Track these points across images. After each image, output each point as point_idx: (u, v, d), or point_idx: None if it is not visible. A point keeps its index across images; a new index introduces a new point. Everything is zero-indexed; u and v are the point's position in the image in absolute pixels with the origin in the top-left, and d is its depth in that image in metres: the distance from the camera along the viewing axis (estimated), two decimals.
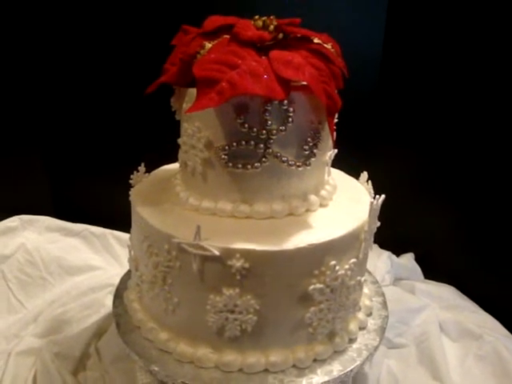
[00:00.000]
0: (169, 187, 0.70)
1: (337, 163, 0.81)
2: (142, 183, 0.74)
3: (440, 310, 1.01)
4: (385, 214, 1.23)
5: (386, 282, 1.07)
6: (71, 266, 1.05)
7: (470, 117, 0.99)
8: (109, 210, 0.89)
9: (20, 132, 1.09)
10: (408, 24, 1.07)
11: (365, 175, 0.76)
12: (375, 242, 1.22)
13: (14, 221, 1.04)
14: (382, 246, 1.21)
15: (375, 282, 0.82)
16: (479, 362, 0.89)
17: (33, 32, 1.03)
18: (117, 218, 0.73)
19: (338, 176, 0.78)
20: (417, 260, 1.17)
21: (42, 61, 1.06)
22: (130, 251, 0.71)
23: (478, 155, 0.99)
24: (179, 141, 0.65)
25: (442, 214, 1.11)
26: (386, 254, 1.15)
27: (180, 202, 0.66)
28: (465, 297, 1.06)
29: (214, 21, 0.64)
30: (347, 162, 0.79)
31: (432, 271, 1.14)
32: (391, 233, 1.21)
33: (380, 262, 1.11)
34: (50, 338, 0.84)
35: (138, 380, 0.68)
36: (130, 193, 0.71)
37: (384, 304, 0.76)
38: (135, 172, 0.74)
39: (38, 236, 1.06)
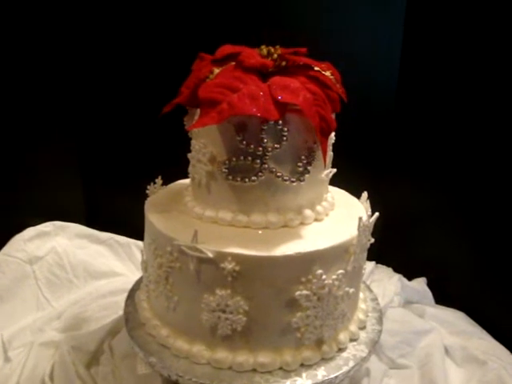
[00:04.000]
0: (179, 198, 0.77)
1: (351, 184, 0.86)
2: (157, 194, 0.81)
3: (448, 334, 1.01)
4: (400, 239, 1.26)
5: (395, 303, 1.09)
6: (96, 270, 1.13)
7: (485, 144, 1.00)
8: (134, 221, 0.96)
9: (60, 149, 1.19)
10: (425, 45, 1.08)
11: (365, 195, 0.80)
12: (389, 265, 1.26)
13: (47, 226, 1.12)
14: (396, 270, 1.23)
15: (375, 299, 0.85)
16: None
17: (67, 60, 1.14)
18: (140, 229, 0.81)
19: (340, 195, 0.82)
20: (429, 285, 1.18)
21: (82, 84, 1.18)
22: (142, 255, 0.78)
23: (493, 181, 0.99)
24: (189, 155, 0.72)
25: (457, 240, 1.11)
26: (397, 276, 1.16)
27: (187, 210, 0.73)
28: (474, 323, 1.05)
29: (224, 49, 0.71)
30: (361, 184, 0.83)
31: (444, 297, 1.14)
32: (405, 257, 1.24)
33: (390, 283, 1.13)
34: (69, 333, 0.91)
35: (138, 370, 0.74)
36: (146, 202, 0.78)
37: (379, 320, 0.79)
38: (151, 183, 0.82)
39: (67, 241, 1.14)
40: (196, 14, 1.10)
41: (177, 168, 0.81)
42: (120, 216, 1.24)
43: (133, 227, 1.10)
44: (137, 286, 0.85)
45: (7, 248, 1.05)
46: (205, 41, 0.82)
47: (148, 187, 0.81)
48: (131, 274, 1.14)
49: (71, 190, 1.23)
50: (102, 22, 1.12)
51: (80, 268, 1.11)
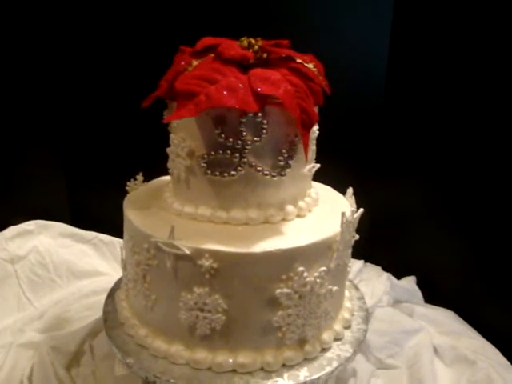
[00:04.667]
0: (159, 194, 0.75)
1: (338, 181, 0.84)
2: (137, 190, 0.79)
3: (437, 334, 0.99)
4: (389, 238, 1.24)
5: (384, 303, 1.07)
6: (79, 270, 1.10)
7: (473, 141, 0.98)
8: (118, 220, 0.95)
9: (44, 147, 1.18)
10: (413, 40, 1.07)
11: (350, 191, 0.78)
12: (378, 264, 1.24)
13: (30, 225, 1.10)
14: (386, 269, 1.21)
15: (361, 298, 0.83)
16: None
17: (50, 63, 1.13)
18: None
19: (324, 191, 0.80)
20: (419, 284, 1.16)
21: (67, 87, 1.16)
22: (121, 253, 0.76)
23: (483, 179, 0.98)
24: (168, 150, 0.70)
25: (447, 238, 1.10)
26: (386, 275, 1.15)
27: (166, 206, 0.71)
28: (464, 322, 1.03)
29: (204, 41, 0.69)
30: (348, 181, 0.80)
31: (433, 295, 1.12)
32: (395, 256, 1.22)
33: (379, 282, 1.11)
34: (49, 334, 0.89)
35: (116, 371, 0.72)
36: (125, 198, 0.76)
37: (365, 319, 0.77)
38: (132, 180, 0.80)
39: (51, 240, 1.11)
40: (178, 6, 1.08)
41: (161, 165, 0.79)
42: (105, 215, 1.21)
43: (117, 226, 1.08)
44: (118, 285, 0.83)
45: None
46: (187, 34, 0.80)
47: (128, 184, 0.79)
48: (115, 274, 1.11)
49: (55, 190, 1.20)
50: (82, 16, 1.10)
51: (63, 267, 1.09)
